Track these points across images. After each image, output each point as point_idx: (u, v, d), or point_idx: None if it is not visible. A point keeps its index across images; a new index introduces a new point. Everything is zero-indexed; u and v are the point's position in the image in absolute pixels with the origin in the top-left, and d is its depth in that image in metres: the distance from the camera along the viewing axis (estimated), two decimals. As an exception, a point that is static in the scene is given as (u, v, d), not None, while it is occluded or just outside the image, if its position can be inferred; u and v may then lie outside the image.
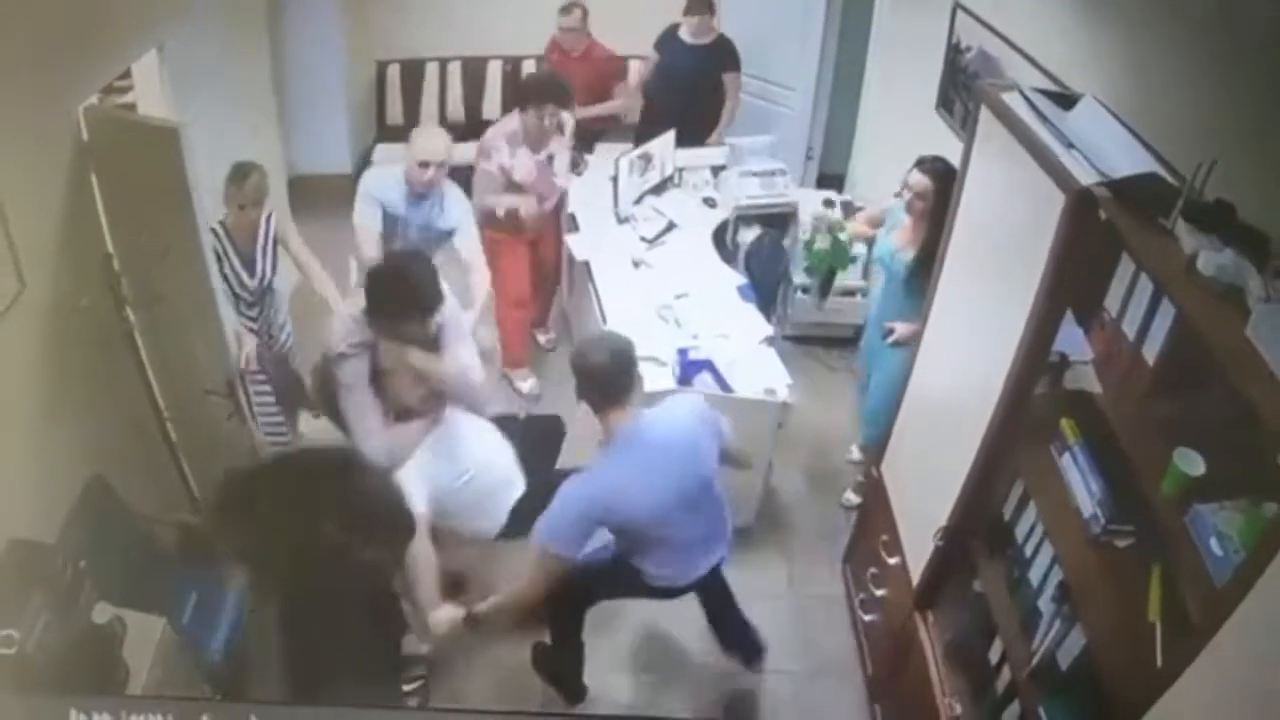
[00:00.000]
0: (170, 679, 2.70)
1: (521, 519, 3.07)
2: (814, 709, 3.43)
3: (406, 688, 3.30)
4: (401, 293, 2.92)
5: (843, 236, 4.40)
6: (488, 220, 4.22)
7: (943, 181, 3.33)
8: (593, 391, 2.76)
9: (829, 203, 4.72)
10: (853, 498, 4.14)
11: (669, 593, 3.03)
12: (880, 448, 3.45)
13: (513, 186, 4.21)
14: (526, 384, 4.71)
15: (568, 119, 4.37)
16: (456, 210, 3.85)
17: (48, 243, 2.79)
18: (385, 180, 3.83)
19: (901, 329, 3.62)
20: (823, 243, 4.42)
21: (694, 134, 4.98)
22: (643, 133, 5.00)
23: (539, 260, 4.65)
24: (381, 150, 5.91)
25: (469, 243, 3.87)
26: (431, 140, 3.76)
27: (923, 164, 3.52)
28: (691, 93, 5.08)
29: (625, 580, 2.98)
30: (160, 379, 3.41)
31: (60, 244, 2.84)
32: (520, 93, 4.37)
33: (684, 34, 5.03)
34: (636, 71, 5.46)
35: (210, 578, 3.17)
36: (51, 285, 2.75)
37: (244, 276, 3.60)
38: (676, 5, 5.03)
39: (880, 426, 3.51)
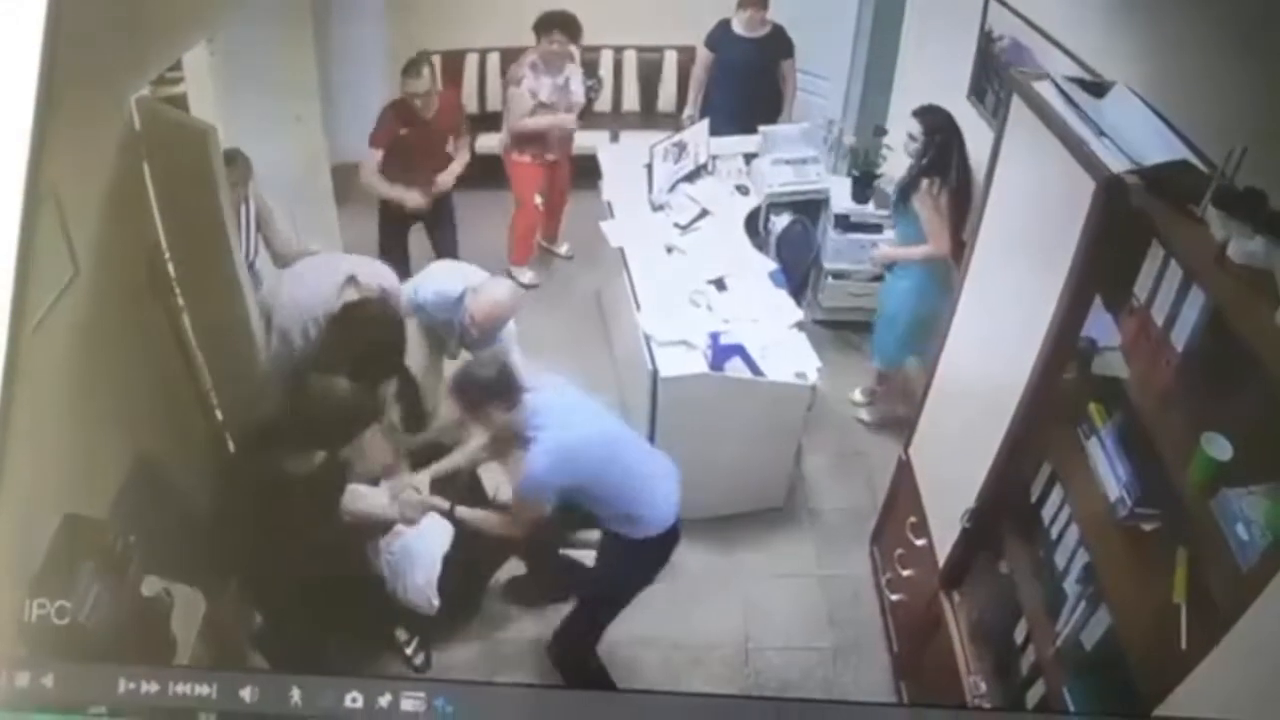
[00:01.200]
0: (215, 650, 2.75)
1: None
2: (841, 685, 3.42)
3: (408, 650, 3.37)
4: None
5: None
6: (517, 144, 4.58)
7: (925, 124, 3.76)
8: (486, 399, 3.09)
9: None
10: (860, 397, 4.29)
11: (656, 551, 3.16)
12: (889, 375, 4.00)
13: (540, 108, 4.56)
14: (526, 276, 4.79)
15: (574, 49, 4.64)
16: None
17: (100, 228, 2.81)
18: (444, 294, 3.67)
19: (881, 249, 4.08)
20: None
21: (758, 124, 4.96)
22: (714, 128, 4.98)
23: (553, 181, 4.80)
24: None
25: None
26: (499, 292, 3.64)
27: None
28: (754, 85, 5.05)
29: (615, 567, 3.17)
30: (205, 363, 3.44)
31: (112, 230, 2.86)
32: (534, 27, 4.65)
33: (738, 28, 4.97)
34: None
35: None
36: (103, 270, 2.78)
37: None
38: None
39: (883, 356, 4.09)
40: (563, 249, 5.12)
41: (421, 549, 3.28)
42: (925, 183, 3.69)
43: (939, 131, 3.71)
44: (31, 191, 2.40)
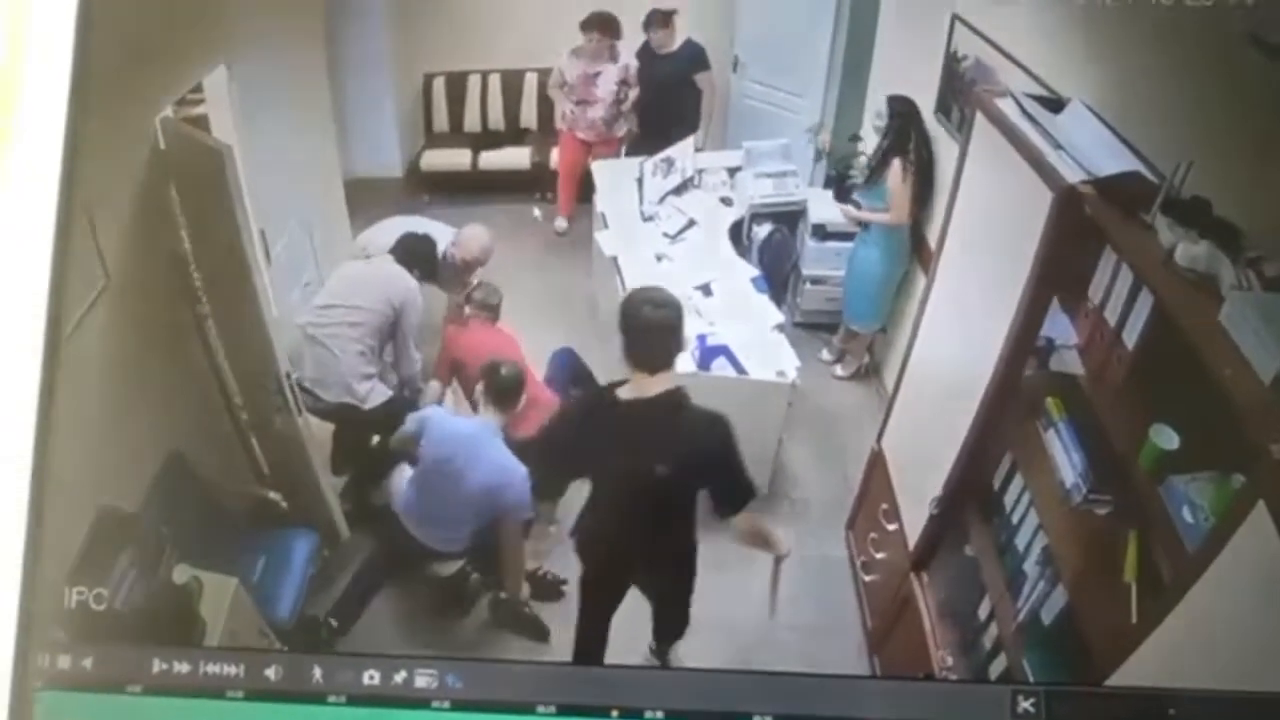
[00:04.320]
0: (242, 633, 2.75)
1: None
2: (819, 659, 3.43)
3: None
4: None
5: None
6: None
7: (893, 108, 4.04)
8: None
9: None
10: (827, 355, 4.50)
11: None
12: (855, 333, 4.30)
13: (565, 86, 4.84)
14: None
15: (620, 48, 4.81)
16: None
17: (129, 240, 2.81)
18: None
19: (849, 209, 4.25)
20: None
21: (679, 135, 4.94)
22: (640, 138, 5.03)
23: (577, 159, 5.00)
24: (429, 155, 5.93)
25: None
26: (483, 236, 3.90)
27: None
28: (670, 99, 5.05)
29: None
30: (230, 368, 3.45)
31: (140, 241, 2.87)
32: (580, 25, 4.82)
33: (653, 46, 4.99)
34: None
35: (277, 542, 3.22)
36: (132, 278, 2.78)
37: None
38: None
39: (857, 318, 4.29)
40: (560, 225, 5.14)
41: None
42: (895, 161, 3.89)
43: (903, 116, 3.98)
44: (64, 207, 2.39)
